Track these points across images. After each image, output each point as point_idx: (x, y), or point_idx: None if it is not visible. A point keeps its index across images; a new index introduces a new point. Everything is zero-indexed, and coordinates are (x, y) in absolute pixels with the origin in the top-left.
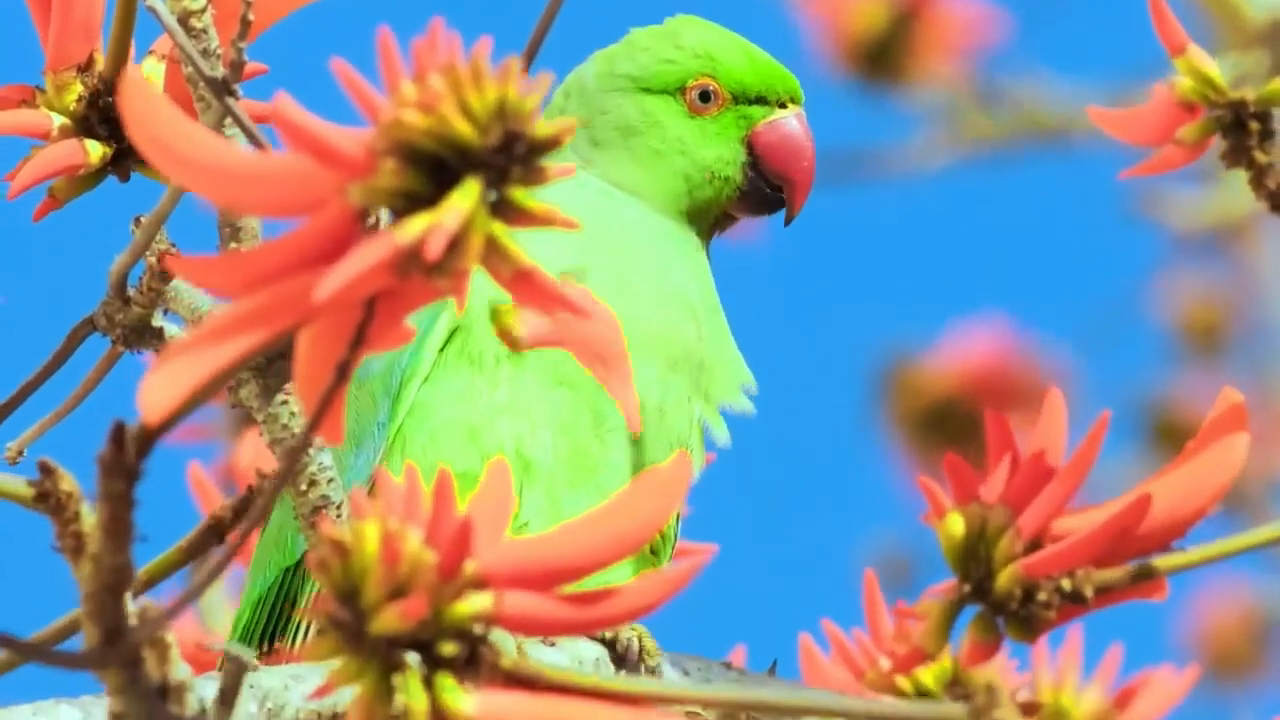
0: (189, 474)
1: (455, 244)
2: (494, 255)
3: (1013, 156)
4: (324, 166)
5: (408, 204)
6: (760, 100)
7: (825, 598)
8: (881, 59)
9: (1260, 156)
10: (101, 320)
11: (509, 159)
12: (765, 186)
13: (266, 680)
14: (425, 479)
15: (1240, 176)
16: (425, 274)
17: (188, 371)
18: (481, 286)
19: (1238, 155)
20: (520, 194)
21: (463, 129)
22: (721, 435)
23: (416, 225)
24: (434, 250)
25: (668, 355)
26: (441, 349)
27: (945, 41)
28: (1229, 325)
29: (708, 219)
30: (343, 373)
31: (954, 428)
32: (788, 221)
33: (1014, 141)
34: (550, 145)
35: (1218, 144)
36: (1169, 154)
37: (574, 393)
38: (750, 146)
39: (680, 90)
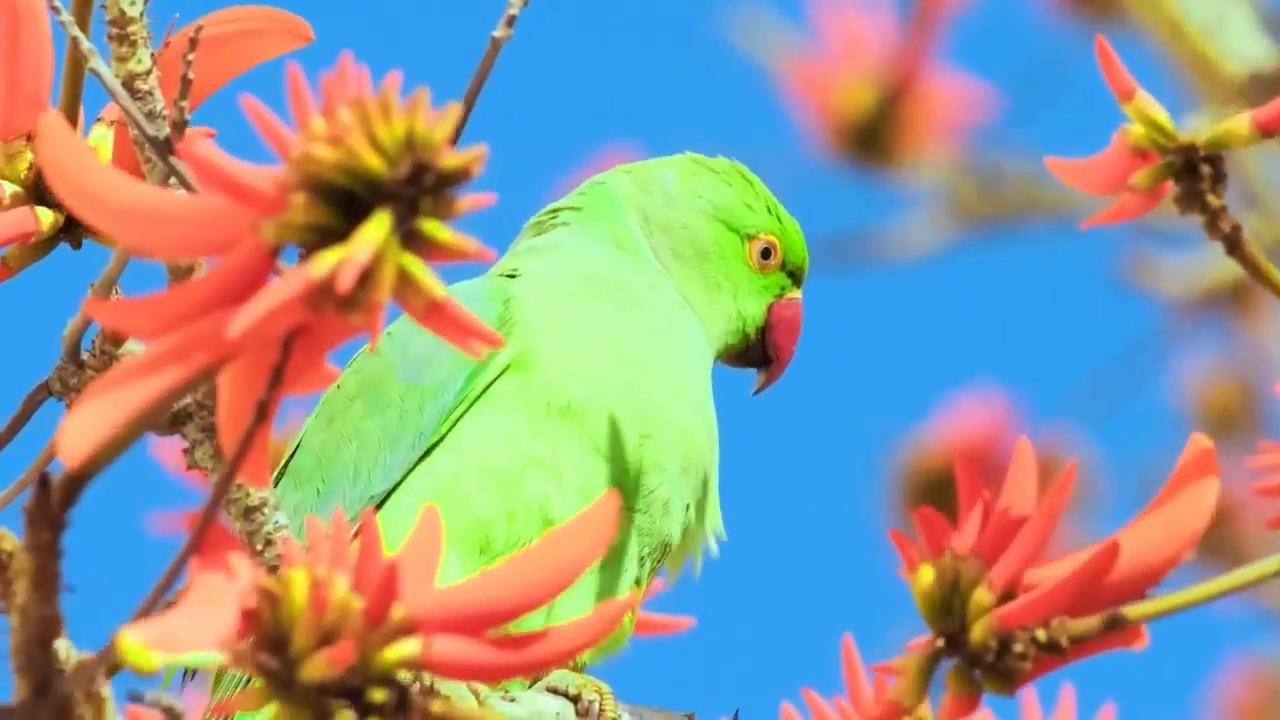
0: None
1: (367, 277)
2: (406, 287)
3: (1008, 234)
4: (236, 204)
5: (320, 239)
6: (793, 275)
7: (827, 680)
8: (871, 139)
9: (1213, 200)
10: (56, 385)
11: (419, 190)
12: (762, 352)
13: None
14: (439, 513)
15: None
16: (339, 308)
17: (106, 413)
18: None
19: (1191, 200)
20: (431, 225)
21: (372, 161)
22: (712, 546)
23: (328, 259)
24: (346, 283)
25: (685, 458)
26: (489, 385)
27: (936, 120)
28: (1246, 408)
29: (719, 357)
30: (262, 413)
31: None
32: (756, 392)
33: (1009, 218)
34: (460, 176)
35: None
36: (1125, 201)
37: (604, 465)
38: (769, 312)
39: (750, 238)
